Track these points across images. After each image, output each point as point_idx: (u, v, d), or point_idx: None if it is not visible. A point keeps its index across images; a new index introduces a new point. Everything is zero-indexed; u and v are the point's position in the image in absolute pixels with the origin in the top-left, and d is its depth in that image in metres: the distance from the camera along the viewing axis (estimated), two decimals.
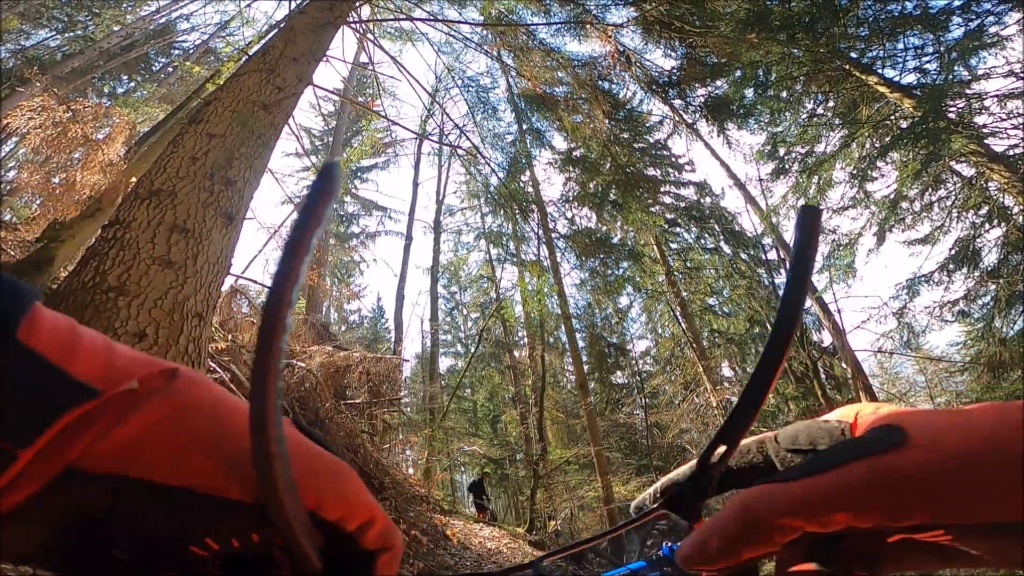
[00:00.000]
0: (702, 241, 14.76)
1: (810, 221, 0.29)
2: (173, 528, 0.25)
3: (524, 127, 12.39)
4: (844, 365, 10.34)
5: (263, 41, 7.51)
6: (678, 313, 14.31)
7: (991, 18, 6.58)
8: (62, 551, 0.25)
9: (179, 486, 0.24)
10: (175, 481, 0.24)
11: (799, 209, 0.29)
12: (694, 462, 0.36)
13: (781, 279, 13.25)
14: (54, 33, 15.13)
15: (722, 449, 0.33)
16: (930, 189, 8.26)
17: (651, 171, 13.47)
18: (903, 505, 0.24)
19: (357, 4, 7.21)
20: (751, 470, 0.36)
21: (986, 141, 7.26)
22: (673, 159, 14.70)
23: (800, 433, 0.34)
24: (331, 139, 19.63)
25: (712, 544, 0.28)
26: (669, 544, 1.07)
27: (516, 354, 19.95)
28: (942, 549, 0.27)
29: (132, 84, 16.97)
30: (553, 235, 12.23)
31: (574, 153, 11.80)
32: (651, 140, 13.74)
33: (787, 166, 9.09)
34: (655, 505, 0.38)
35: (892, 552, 0.29)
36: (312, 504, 0.26)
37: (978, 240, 8.42)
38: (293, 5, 7.22)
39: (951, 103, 6.57)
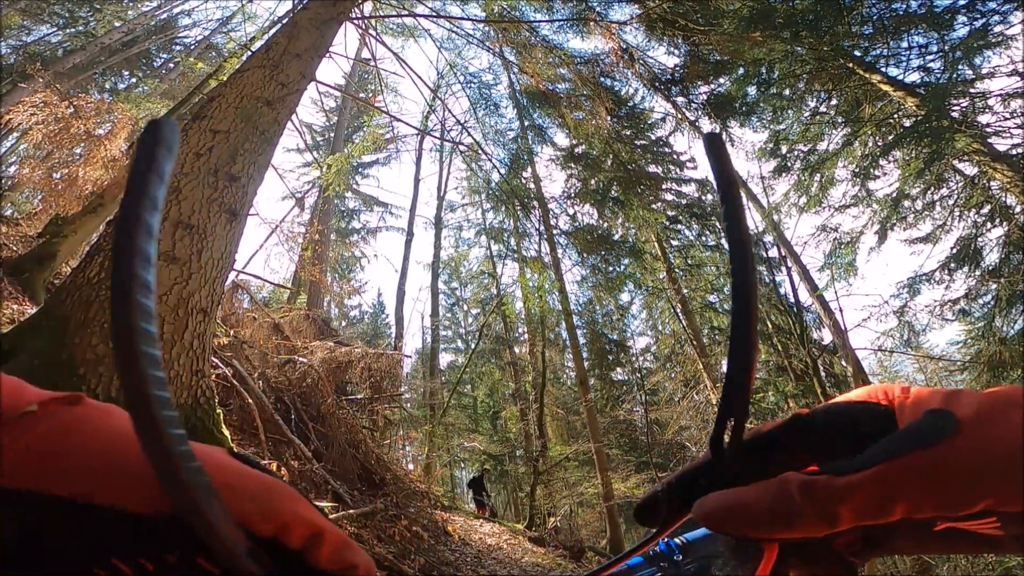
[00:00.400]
0: (703, 238, 14.74)
1: (717, 146, 0.29)
2: (80, 549, 0.24)
3: (526, 123, 12.37)
4: (844, 363, 10.35)
5: (266, 37, 7.50)
6: (679, 310, 14.31)
7: (996, 17, 6.57)
8: None
9: (80, 501, 0.23)
10: (74, 492, 0.23)
11: (704, 138, 0.30)
12: (707, 451, 0.33)
13: (782, 277, 13.25)
14: (56, 29, 15.11)
15: (731, 426, 0.31)
16: (932, 188, 8.25)
17: (653, 168, 13.46)
18: (967, 495, 0.24)
19: (360, 0, 7.20)
20: (781, 452, 0.33)
21: (989, 140, 7.25)
22: (675, 156, 14.66)
23: (839, 414, 0.32)
24: (333, 134, 19.61)
25: (753, 512, 0.27)
26: (666, 540, 1.08)
27: (517, 350, 19.96)
28: (964, 535, 0.27)
29: (134, 80, 16.95)
30: (554, 231, 12.23)
31: (576, 150, 11.78)
32: (653, 137, 13.71)
33: (789, 164, 9.07)
34: (670, 501, 0.34)
35: (900, 536, 0.29)
36: (239, 519, 0.24)
37: (980, 239, 8.42)
38: (296, 0, 7.21)
39: (955, 102, 6.56)
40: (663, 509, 0.32)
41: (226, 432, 3.11)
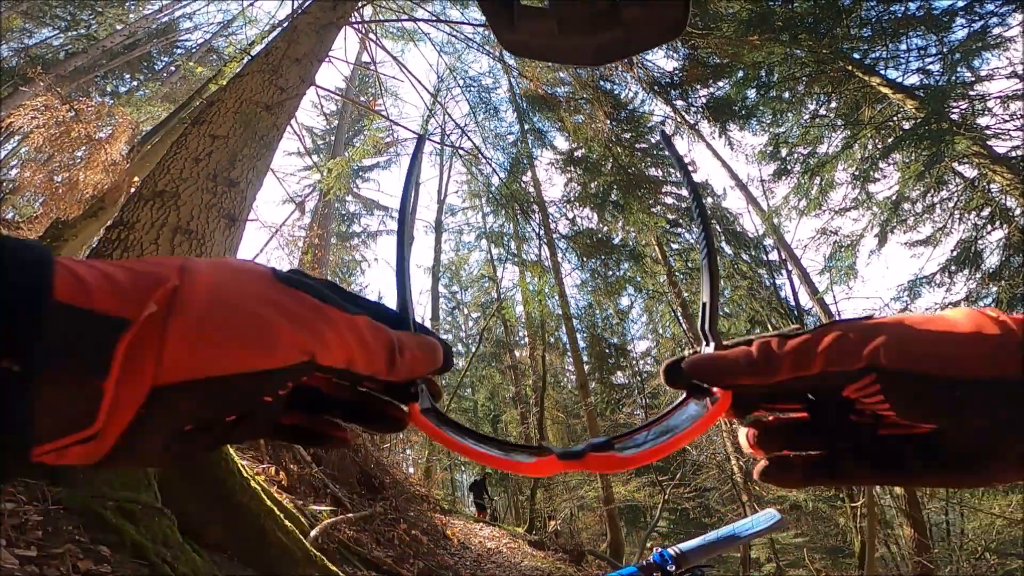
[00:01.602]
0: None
1: (669, 139, 0.46)
2: (234, 402, 0.30)
3: (526, 127, 12.37)
4: None
5: (266, 41, 7.51)
6: (679, 313, 14.30)
7: (994, 19, 6.57)
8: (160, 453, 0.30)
9: (233, 373, 0.28)
10: (226, 370, 0.28)
11: (659, 133, 0.60)
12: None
13: (783, 280, 13.25)
14: (57, 32, 15.14)
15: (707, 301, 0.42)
16: (932, 190, 8.24)
17: (653, 172, 13.45)
18: (853, 351, 0.33)
19: (360, 4, 7.21)
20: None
21: (989, 143, 7.25)
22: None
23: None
24: (333, 138, 19.65)
25: (732, 363, 0.36)
26: (659, 550, 1.07)
27: (517, 354, 19.95)
28: (892, 456, 0.36)
29: (135, 83, 16.98)
30: (554, 235, 12.22)
31: (575, 153, 11.80)
32: (653, 141, 13.72)
33: (789, 167, 9.07)
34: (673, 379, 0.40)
35: (855, 451, 0.37)
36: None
37: (980, 242, 8.40)
38: (296, 4, 7.22)
39: (954, 104, 6.56)
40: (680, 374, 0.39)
41: None
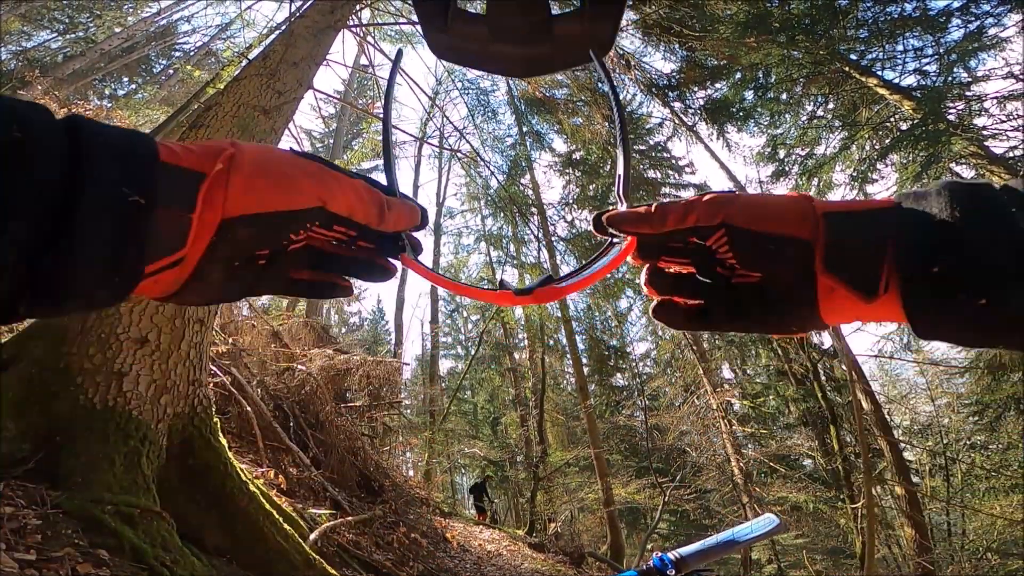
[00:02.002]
0: None
1: (599, 60, 0.56)
2: (271, 235, 0.41)
3: (524, 130, 12.41)
4: (844, 367, 10.34)
5: (264, 44, 7.52)
6: None
7: (990, 20, 6.59)
8: (225, 291, 0.42)
9: (271, 211, 0.39)
10: (267, 208, 0.39)
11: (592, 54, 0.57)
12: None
13: None
14: (55, 35, 15.14)
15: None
16: None
17: (651, 173, 13.49)
18: (715, 212, 0.45)
19: (357, 8, 7.22)
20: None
21: (986, 143, 7.26)
22: (673, 161, 14.70)
23: None
24: (331, 141, 19.64)
25: (631, 215, 0.47)
26: (659, 554, 1.07)
27: (516, 356, 19.93)
28: (739, 303, 0.47)
29: (133, 86, 16.99)
30: (553, 238, 12.25)
31: (574, 156, 11.82)
32: (651, 142, 13.75)
33: (787, 168, 9.09)
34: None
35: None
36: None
37: None
38: (294, 7, 7.22)
39: (951, 105, 6.58)
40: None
41: (224, 440, 3.11)
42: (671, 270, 0.50)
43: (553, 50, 0.57)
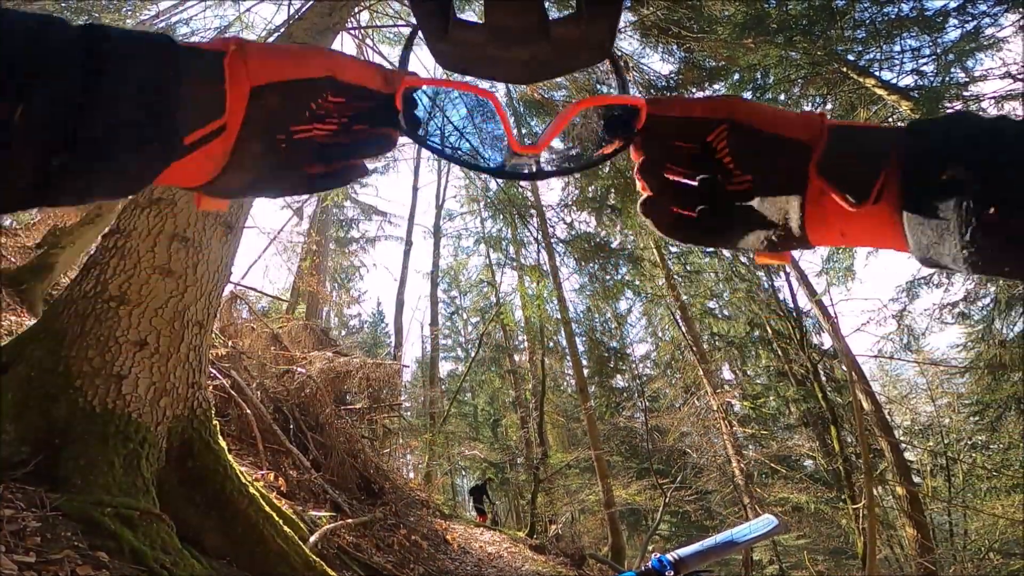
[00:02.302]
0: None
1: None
2: (293, 104, 0.44)
3: (523, 131, 12.40)
4: (844, 367, 10.34)
5: None
6: (678, 316, 14.31)
7: (987, 20, 6.59)
8: (260, 170, 0.45)
9: (290, 79, 0.43)
10: (285, 76, 0.43)
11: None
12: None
13: (781, 282, 13.26)
14: None
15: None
16: None
17: None
18: (721, 107, 0.47)
19: (356, 10, 7.23)
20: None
21: None
22: None
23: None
24: None
25: (646, 99, 0.48)
26: (658, 556, 1.07)
27: (516, 358, 19.93)
28: (727, 214, 0.48)
29: None
30: (552, 240, 12.25)
31: None
32: None
33: None
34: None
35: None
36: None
37: None
38: (292, 10, 7.24)
39: (948, 105, 6.58)
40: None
41: (223, 443, 3.11)
42: (671, 178, 0.51)
43: (553, 52, 0.57)
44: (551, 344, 17.45)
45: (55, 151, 0.31)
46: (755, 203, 0.46)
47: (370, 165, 0.53)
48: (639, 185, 0.51)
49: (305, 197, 19.33)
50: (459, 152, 0.55)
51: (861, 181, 0.39)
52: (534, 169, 0.52)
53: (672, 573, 1.05)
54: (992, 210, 0.32)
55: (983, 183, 0.33)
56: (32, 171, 0.31)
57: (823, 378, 11.89)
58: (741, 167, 0.46)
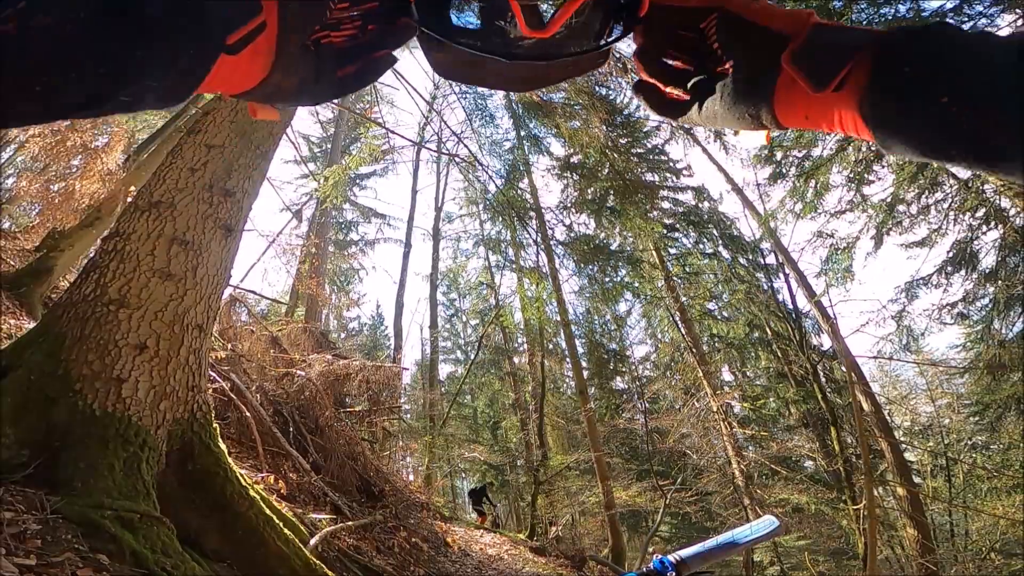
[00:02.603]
0: (700, 246, 14.78)
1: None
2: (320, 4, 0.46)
3: (522, 134, 12.43)
4: (844, 368, 10.35)
5: None
6: (677, 318, 14.31)
7: (984, 20, 6.61)
8: (303, 69, 0.46)
9: None
10: None
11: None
12: None
13: (780, 283, 13.26)
14: None
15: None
16: (927, 192, 8.28)
17: (649, 176, 13.50)
18: None
19: None
20: None
21: None
22: (671, 164, 14.71)
23: None
24: (329, 146, 19.67)
25: None
26: (659, 557, 1.07)
27: (516, 360, 19.92)
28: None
29: None
30: (552, 242, 12.24)
31: (572, 159, 11.83)
32: (649, 145, 13.76)
33: (784, 170, 9.11)
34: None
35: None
36: None
37: (975, 242, 8.44)
38: None
39: None
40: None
41: (223, 445, 3.10)
42: (667, 62, 0.54)
43: (550, 69, 0.58)
44: (551, 346, 17.45)
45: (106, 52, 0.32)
46: (735, 85, 0.49)
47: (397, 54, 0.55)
48: (636, 66, 0.55)
49: (303, 200, 19.36)
50: (469, 37, 0.56)
51: (824, 68, 0.42)
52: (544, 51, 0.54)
53: (673, 574, 1.05)
54: (948, 103, 0.35)
55: (941, 81, 0.36)
56: (90, 73, 0.32)
57: (823, 379, 11.88)
58: (726, 51, 0.49)
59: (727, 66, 0.50)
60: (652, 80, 0.55)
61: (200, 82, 0.38)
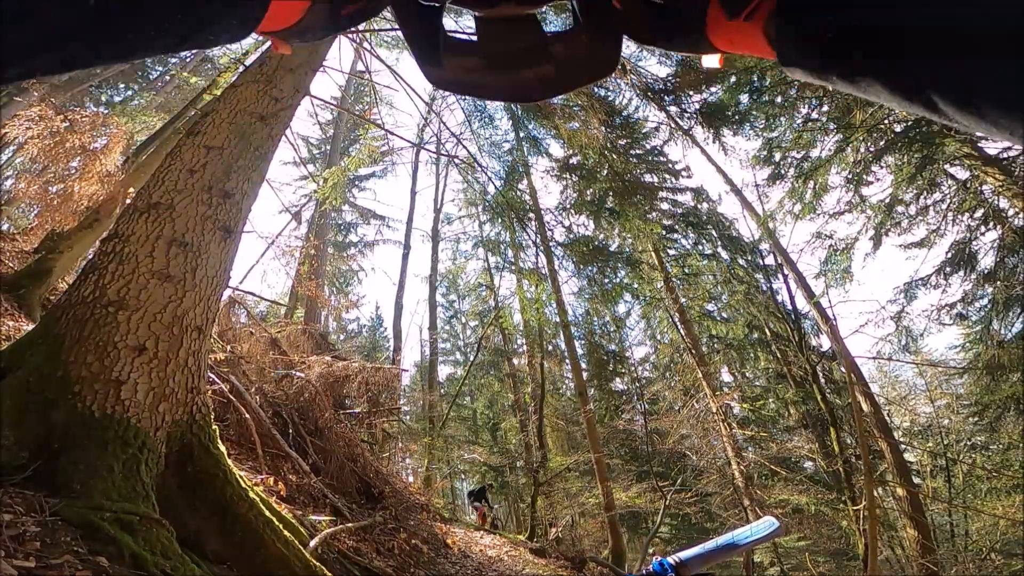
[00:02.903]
0: (700, 247, 14.78)
1: None
2: None
3: (521, 135, 12.43)
4: (843, 369, 10.35)
5: (260, 51, 7.54)
6: (677, 319, 14.31)
7: None
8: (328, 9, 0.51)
9: None
10: None
11: None
12: None
13: (779, 284, 13.26)
14: None
15: None
16: (925, 193, 8.29)
17: (648, 178, 13.49)
18: None
19: None
20: None
21: (980, 144, 7.29)
22: (670, 165, 14.71)
23: None
24: (329, 147, 19.67)
25: None
26: (659, 559, 1.07)
27: (515, 362, 19.90)
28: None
29: (129, 92, 16.98)
30: (551, 243, 12.24)
31: (571, 161, 11.82)
32: (647, 147, 13.75)
33: (783, 171, 9.11)
34: None
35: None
36: None
37: (974, 243, 8.45)
38: None
39: None
40: None
41: (223, 447, 3.10)
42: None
43: (555, 70, 0.57)
44: (550, 347, 17.44)
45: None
46: (674, 16, 0.53)
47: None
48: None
49: (302, 202, 19.34)
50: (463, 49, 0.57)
51: (739, 3, 0.46)
52: None
53: None
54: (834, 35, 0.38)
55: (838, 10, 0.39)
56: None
57: (822, 380, 11.88)
58: None
59: None
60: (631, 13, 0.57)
61: (263, 17, 0.44)
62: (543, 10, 0.58)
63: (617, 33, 0.56)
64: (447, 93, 13.74)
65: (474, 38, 0.57)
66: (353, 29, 8.17)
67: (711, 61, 0.57)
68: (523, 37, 0.56)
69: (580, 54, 0.56)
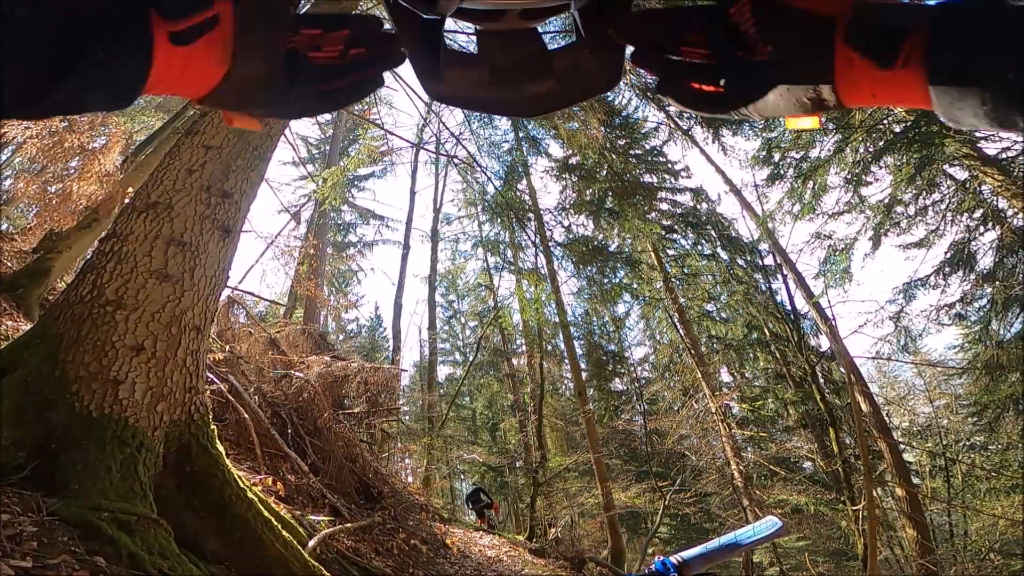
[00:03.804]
0: (699, 247, 14.76)
1: None
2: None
3: (520, 135, 12.43)
4: (843, 369, 10.35)
5: None
6: (676, 319, 14.31)
7: None
8: (269, 71, 0.45)
9: None
10: None
11: None
12: None
13: (778, 284, 13.26)
14: None
15: None
16: (924, 193, 8.29)
17: (647, 178, 13.48)
18: None
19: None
20: None
21: (979, 145, 7.29)
22: (669, 165, 14.70)
23: None
24: (328, 147, 19.67)
25: None
26: (661, 558, 1.07)
27: (515, 362, 19.91)
28: (745, 79, 0.48)
29: None
30: (550, 243, 12.24)
31: (570, 161, 11.82)
32: (647, 147, 13.75)
33: (782, 171, 9.11)
34: None
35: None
36: None
37: (973, 243, 8.45)
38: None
39: None
40: None
41: (221, 447, 3.09)
42: (687, 60, 0.52)
43: (558, 85, 0.56)
44: (549, 347, 17.43)
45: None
46: (785, 70, 0.47)
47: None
48: (643, 72, 0.55)
49: (302, 202, 19.32)
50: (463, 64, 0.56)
51: (885, 45, 0.42)
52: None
53: None
54: (1014, 76, 0.36)
55: (1004, 55, 0.37)
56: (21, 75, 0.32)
57: (821, 380, 11.88)
58: (765, 37, 0.48)
59: (765, 51, 0.48)
60: (672, 77, 0.53)
61: (146, 77, 0.37)
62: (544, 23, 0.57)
63: (619, 49, 0.55)
64: None
65: (475, 51, 0.56)
66: None
67: (805, 123, 0.51)
68: (525, 51, 0.55)
69: (581, 69, 0.55)
